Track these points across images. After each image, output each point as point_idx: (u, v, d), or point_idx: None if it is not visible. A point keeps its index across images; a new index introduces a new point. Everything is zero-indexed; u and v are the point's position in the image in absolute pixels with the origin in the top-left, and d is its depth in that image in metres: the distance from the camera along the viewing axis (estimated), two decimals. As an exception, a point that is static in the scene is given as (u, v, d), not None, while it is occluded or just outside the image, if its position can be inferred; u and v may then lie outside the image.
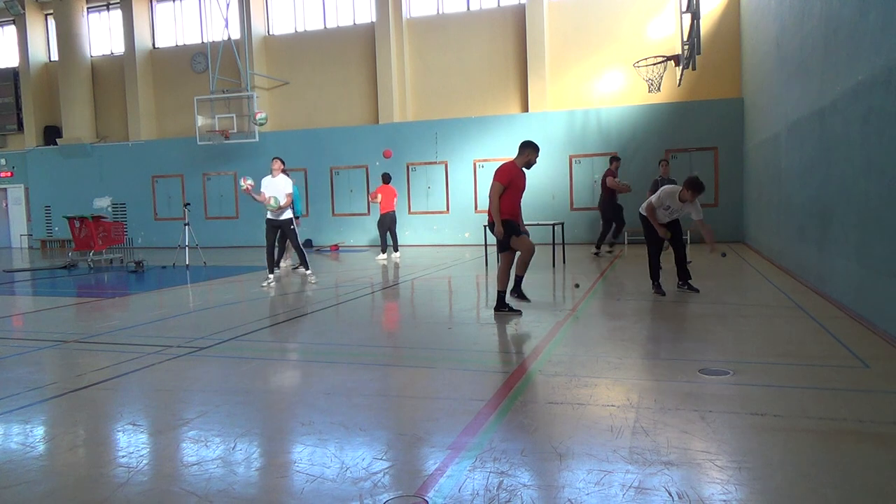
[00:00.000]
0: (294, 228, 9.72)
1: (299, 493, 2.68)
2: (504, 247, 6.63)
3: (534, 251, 6.49)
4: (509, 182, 6.41)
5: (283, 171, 9.69)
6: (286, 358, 5.42)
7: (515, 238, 6.49)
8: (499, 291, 6.67)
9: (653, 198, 7.59)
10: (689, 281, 7.84)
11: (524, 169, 6.59)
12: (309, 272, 9.86)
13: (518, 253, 6.64)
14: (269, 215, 9.57)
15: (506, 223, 6.45)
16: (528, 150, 6.50)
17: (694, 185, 7.21)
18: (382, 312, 7.63)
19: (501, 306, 6.63)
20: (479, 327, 6.19)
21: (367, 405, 3.83)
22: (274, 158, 9.74)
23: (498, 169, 6.51)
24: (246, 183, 9.49)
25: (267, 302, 8.21)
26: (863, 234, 5.77)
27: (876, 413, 3.43)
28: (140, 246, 19.79)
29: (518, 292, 6.62)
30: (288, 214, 9.61)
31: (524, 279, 6.64)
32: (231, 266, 13.16)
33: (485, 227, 12.45)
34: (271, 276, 9.62)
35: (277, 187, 9.47)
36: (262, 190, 9.52)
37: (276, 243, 10.03)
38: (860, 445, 3.01)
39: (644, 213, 7.66)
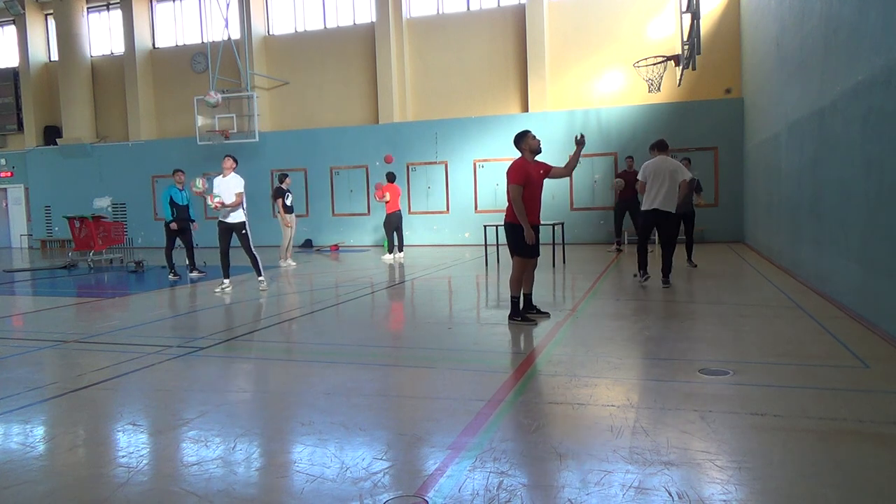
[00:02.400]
0: (246, 232, 9.00)
1: (299, 493, 2.68)
2: (521, 252, 6.17)
3: (524, 271, 6.20)
4: (526, 180, 5.98)
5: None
6: (286, 358, 5.41)
7: (518, 255, 6.15)
8: (512, 297, 6.25)
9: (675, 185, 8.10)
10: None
11: (536, 160, 6.19)
12: (261, 279, 9.12)
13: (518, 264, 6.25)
14: (220, 217, 9.02)
15: (524, 230, 6.05)
16: (524, 141, 6.13)
17: (653, 144, 8.39)
18: (382, 312, 7.63)
19: (516, 314, 6.21)
20: (479, 327, 6.18)
21: (367, 405, 3.82)
22: (225, 156, 9.10)
23: (510, 170, 6.05)
24: (202, 185, 9.01)
25: (267, 302, 8.20)
26: (863, 234, 5.76)
27: (876, 413, 3.43)
28: (140, 246, 19.79)
29: (520, 314, 6.21)
30: (240, 217, 8.96)
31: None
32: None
33: (485, 227, 12.51)
34: (227, 280, 9.04)
35: (228, 186, 8.84)
36: (214, 191, 8.96)
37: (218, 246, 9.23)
38: (860, 445, 3.01)
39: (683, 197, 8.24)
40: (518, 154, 6.23)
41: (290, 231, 12.75)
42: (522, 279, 6.26)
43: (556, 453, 2.98)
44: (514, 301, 6.24)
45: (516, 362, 4.81)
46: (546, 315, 6.43)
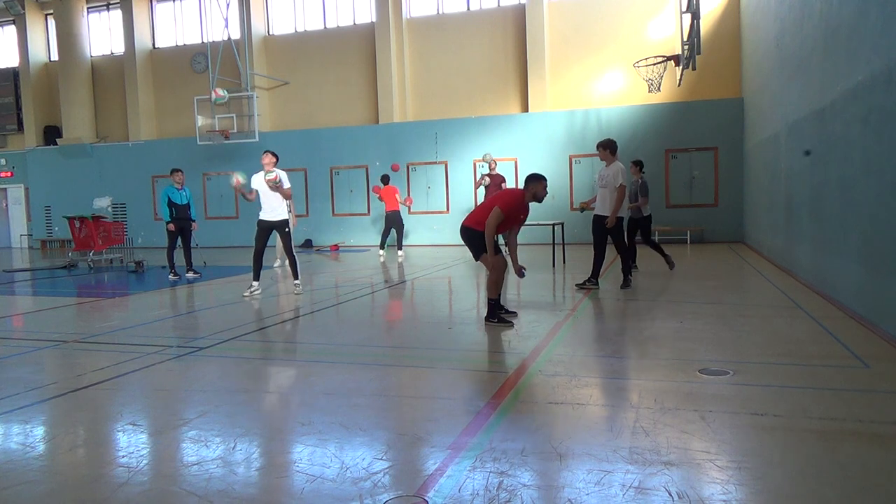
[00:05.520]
0: (289, 231, 8.66)
1: (299, 493, 2.68)
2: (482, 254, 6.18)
3: (504, 271, 6.16)
4: (509, 215, 6.03)
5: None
6: (286, 358, 5.41)
7: (485, 255, 6.10)
8: (489, 299, 6.23)
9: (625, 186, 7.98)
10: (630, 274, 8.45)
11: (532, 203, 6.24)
12: (297, 282, 8.76)
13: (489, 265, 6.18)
14: (261, 216, 8.60)
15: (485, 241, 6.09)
16: (532, 184, 6.15)
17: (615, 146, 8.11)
18: (382, 312, 7.62)
19: (492, 315, 6.17)
20: (479, 327, 6.18)
21: (367, 405, 3.82)
22: (265, 152, 8.60)
23: (508, 197, 6.08)
24: (236, 177, 8.44)
25: (267, 302, 8.20)
26: (863, 234, 5.77)
27: (876, 413, 3.43)
28: (140, 246, 19.79)
29: (497, 316, 6.16)
30: (283, 215, 8.57)
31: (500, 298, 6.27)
32: (231, 266, 13.17)
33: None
34: (256, 283, 8.61)
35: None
36: (252, 188, 8.57)
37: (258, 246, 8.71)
38: (860, 445, 3.01)
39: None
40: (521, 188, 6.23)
41: None
42: (501, 280, 6.17)
43: (556, 453, 2.98)
44: (492, 303, 6.18)
45: (516, 362, 4.80)
46: (510, 324, 6.25)
